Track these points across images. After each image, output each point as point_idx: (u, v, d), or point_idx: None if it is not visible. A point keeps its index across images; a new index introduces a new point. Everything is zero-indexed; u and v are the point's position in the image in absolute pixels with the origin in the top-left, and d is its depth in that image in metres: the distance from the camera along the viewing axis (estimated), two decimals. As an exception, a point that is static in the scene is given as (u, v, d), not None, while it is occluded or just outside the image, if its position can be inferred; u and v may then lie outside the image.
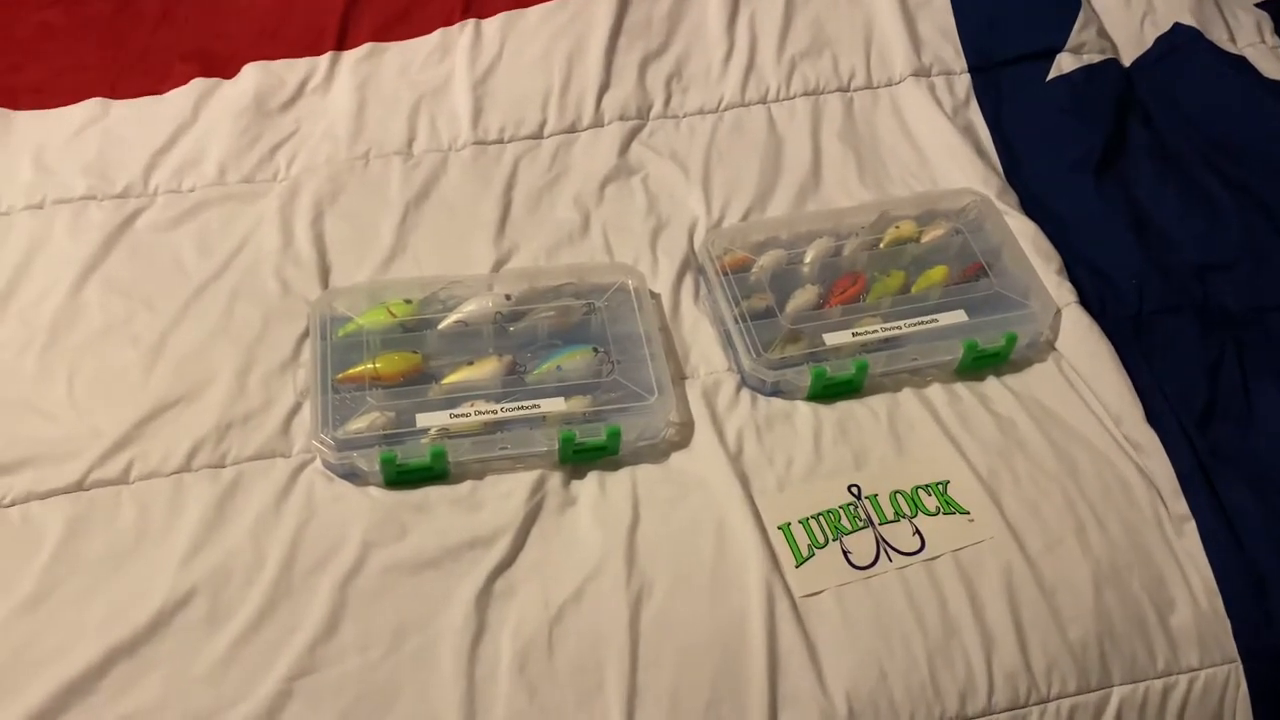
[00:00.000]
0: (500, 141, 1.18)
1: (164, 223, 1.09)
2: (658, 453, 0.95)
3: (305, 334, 0.99)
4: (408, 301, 1.00)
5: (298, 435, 0.94)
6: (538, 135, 1.19)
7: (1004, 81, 1.26)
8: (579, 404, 0.94)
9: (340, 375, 0.95)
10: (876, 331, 1.01)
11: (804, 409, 0.98)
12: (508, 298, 1.00)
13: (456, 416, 0.92)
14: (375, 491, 0.90)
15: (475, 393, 0.94)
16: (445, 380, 0.96)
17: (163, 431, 0.93)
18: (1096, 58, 1.27)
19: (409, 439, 0.91)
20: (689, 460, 0.95)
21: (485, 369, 0.96)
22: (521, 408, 0.93)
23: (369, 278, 1.05)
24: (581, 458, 0.93)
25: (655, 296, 1.06)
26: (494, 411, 0.93)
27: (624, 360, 0.98)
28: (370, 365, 0.95)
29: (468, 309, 1.00)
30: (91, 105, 1.18)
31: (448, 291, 1.02)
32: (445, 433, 0.92)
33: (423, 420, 0.92)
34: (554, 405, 0.94)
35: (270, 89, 1.20)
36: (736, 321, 1.01)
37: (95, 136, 1.16)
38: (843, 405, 0.99)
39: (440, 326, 0.99)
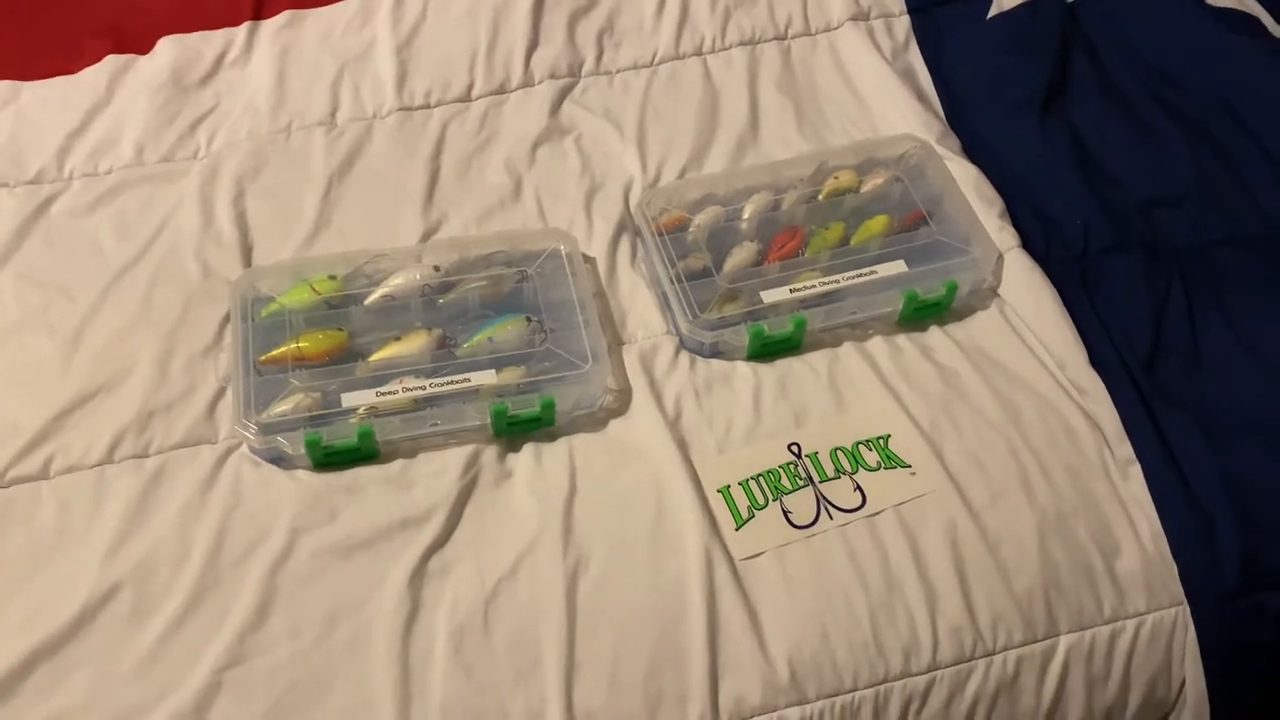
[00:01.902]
0: (426, 106, 1.15)
1: (80, 208, 1.05)
2: (595, 421, 0.93)
3: (228, 316, 0.97)
4: (332, 277, 0.97)
5: (223, 421, 0.91)
6: (465, 98, 1.16)
7: (943, 21, 1.23)
8: (512, 375, 0.92)
9: (263, 357, 0.92)
10: (815, 286, 0.99)
11: (744, 369, 0.96)
12: (436, 269, 0.98)
13: (384, 394, 0.90)
14: (304, 475, 0.88)
15: (404, 369, 0.92)
16: (372, 357, 0.93)
17: (83, 423, 0.90)
18: (1038, -8, 1.24)
19: (336, 420, 0.89)
20: (627, 428, 0.93)
21: (414, 344, 0.94)
22: (452, 382, 0.91)
23: (292, 255, 1.02)
24: (516, 430, 0.91)
25: (590, 261, 1.03)
26: (423, 388, 0.90)
27: (558, 328, 0.96)
28: (293, 345, 0.92)
29: (394, 282, 0.97)
30: (1, 89, 1.14)
31: (374, 265, 0.99)
32: (374, 411, 0.90)
33: (349, 400, 0.89)
34: (485, 378, 0.91)
35: (187, 63, 1.16)
36: (673, 283, 0.99)
37: (6, 121, 1.12)
38: (783, 363, 0.97)
39: (366, 302, 0.97)
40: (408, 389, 0.90)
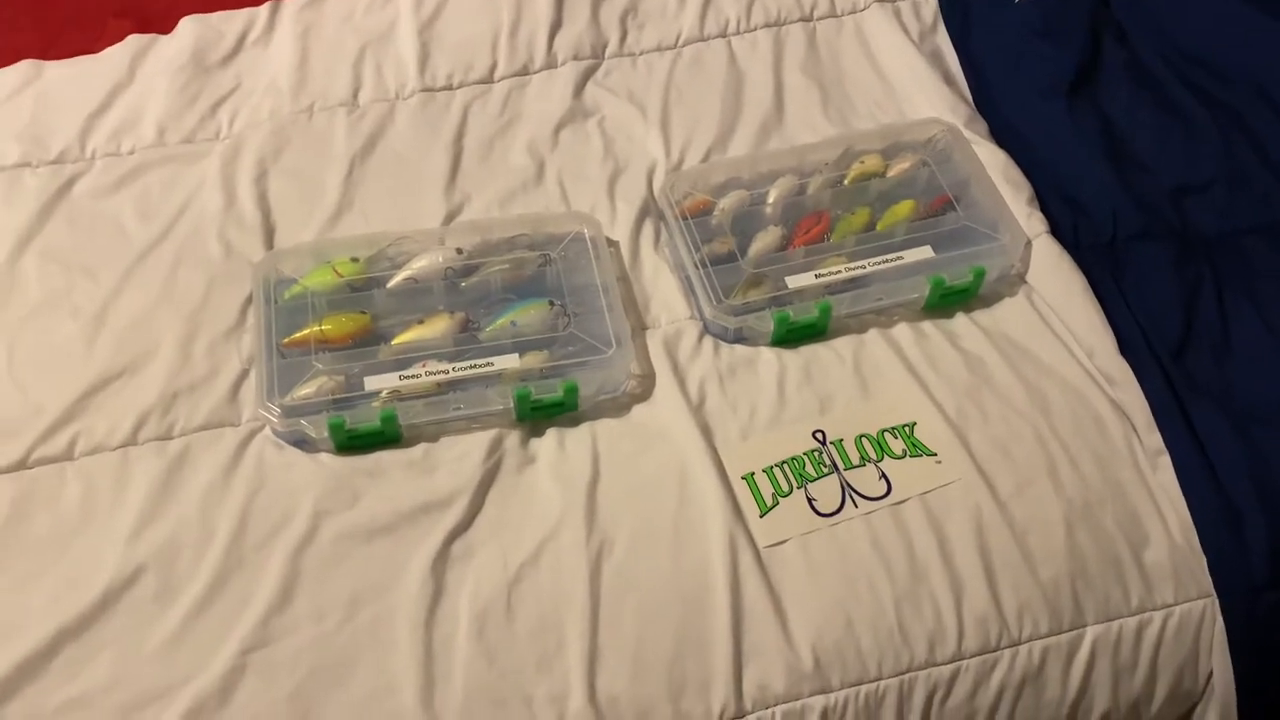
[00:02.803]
0: (449, 88, 1.14)
1: (103, 188, 1.05)
2: (619, 406, 0.92)
3: (251, 298, 0.96)
4: (354, 260, 0.97)
5: (246, 403, 0.91)
6: (488, 80, 1.15)
7: (972, 3, 1.21)
8: (535, 360, 0.92)
9: (286, 340, 0.92)
10: (840, 272, 0.98)
11: (768, 355, 0.96)
12: (459, 252, 0.97)
13: (407, 378, 0.90)
14: (326, 458, 0.88)
15: (427, 352, 0.92)
16: (395, 340, 0.93)
17: (107, 405, 0.90)
18: (1070, -26, 1.22)
19: (360, 403, 0.89)
20: (650, 413, 0.92)
21: (436, 327, 0.93)
22: (474, 366, 0.90)
23: (314, 237, 1.02)
24: (539, 415, 0.91)
25: (613, 245, 1.03)
26: (446, 371, 0.90)
27: (581, 312, 0.95)
28: (316, 328, 0.92)
29: (417, 265, 0.97)
30: (24, 68, 1.14)
31: (396, 248, 0.98)
32: (397, 395, 0.89)
33: (371, 383, 0.89)
34: (508, 362, 0.91)
35: (209, 43, 1.16)
36: (697, 267, 0.98)
37: (29, 101, 1.12)
38: (807, 349, 0.96)
39: (389, 285, 0.96)
40: (431, 373, 0.90)
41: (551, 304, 0.95)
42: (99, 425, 0.89)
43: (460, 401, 0.89)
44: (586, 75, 1.15)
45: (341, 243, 0.99)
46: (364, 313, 0.94)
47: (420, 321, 0.93)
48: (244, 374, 0.93)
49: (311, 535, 0.84)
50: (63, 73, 1.14)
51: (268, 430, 0.89)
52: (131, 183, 1.06)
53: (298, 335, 0.92)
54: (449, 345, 0.92)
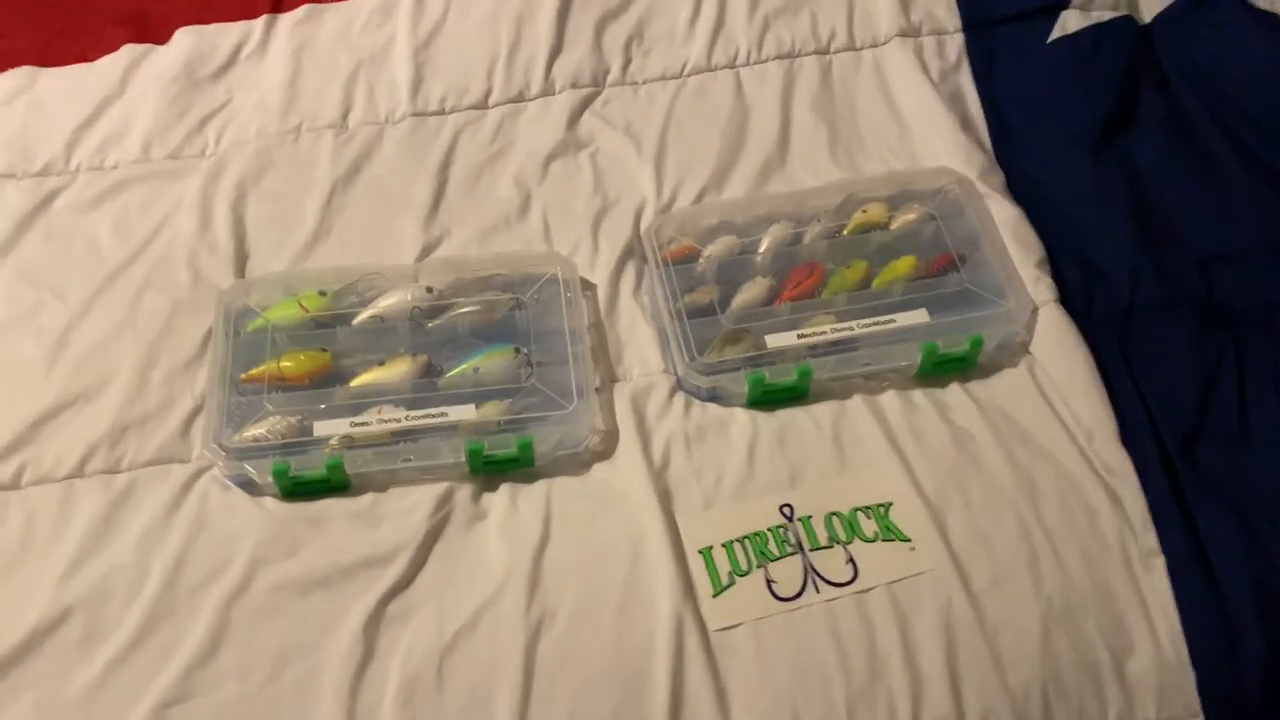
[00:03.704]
0: (441, 112, 1.10)
1: (83, 203, 1.04)
2: (578, 463, 0.88)
3: (213, 329, 0.94)
4: (322, 294, 0.94)
5: (197, 439, 0.89)
6: (482, 105, 1.11)
7: (1001, 42, 1.14)
8: (493, 410, 0.88)
9: (244, 375, 0.89)
10: (826, 333, 0.92)
11: (741, 417, 0.91)
12: (429, 290, 0.93)
13: (358, 425, 0.86)
14: (271, 503, 0.85)
15: (384, 397, 0.88)
16: (354, 382, 0.90)
17: (58, 433, 0.89)
18: (1108, 14, 1.14)
19: (310, 448, 0.86)
20: (611, 472, 0.88)
21: (396, 370, 0.90)
22: (429, 415, 0.87)
23: (287, 265, 0.99)
24: (493, 469, 0.87)
25: (590, 289, 0.98)
26: (399, 419, 0.87)
27: (547, 361, 0.91)
28: (274, 364, 0.89)
29: (385, 303, 0.94)
30: (19, 74, 1.13)
31: (367, 283, 0.95)
32: (348, 442, 0.86)
33: (321, 429, 0.86)
34: (464, 413, 0.87)
35: (202, 55, 1.14)
36: (674, 318, 0.93)
37: (20, 108, 1.11)
38: (785, 413, 0.91)
39: (354, 322, 0.93)
40: (384, 420, 0.86)
41: (517, 351, 0.91)
42: (47, 454, 0.87)
43: (411, 453, 0.86)
44: (584, 104, 1.11)
45: (311, 275, 0.96)
46: (324, 350, 0.91)
47: (381, 363, 0.90)
48: (197, 409, 0.90)
49: (246, 584, 0.81)
50: (56, 81, 1.13)
51: (216, 469, 0.87)
52: (111, 199, 1.04)
53: (255, 371, 0.90)
54: (407, 390, 0.89)
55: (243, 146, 1.07)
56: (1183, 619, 0.80)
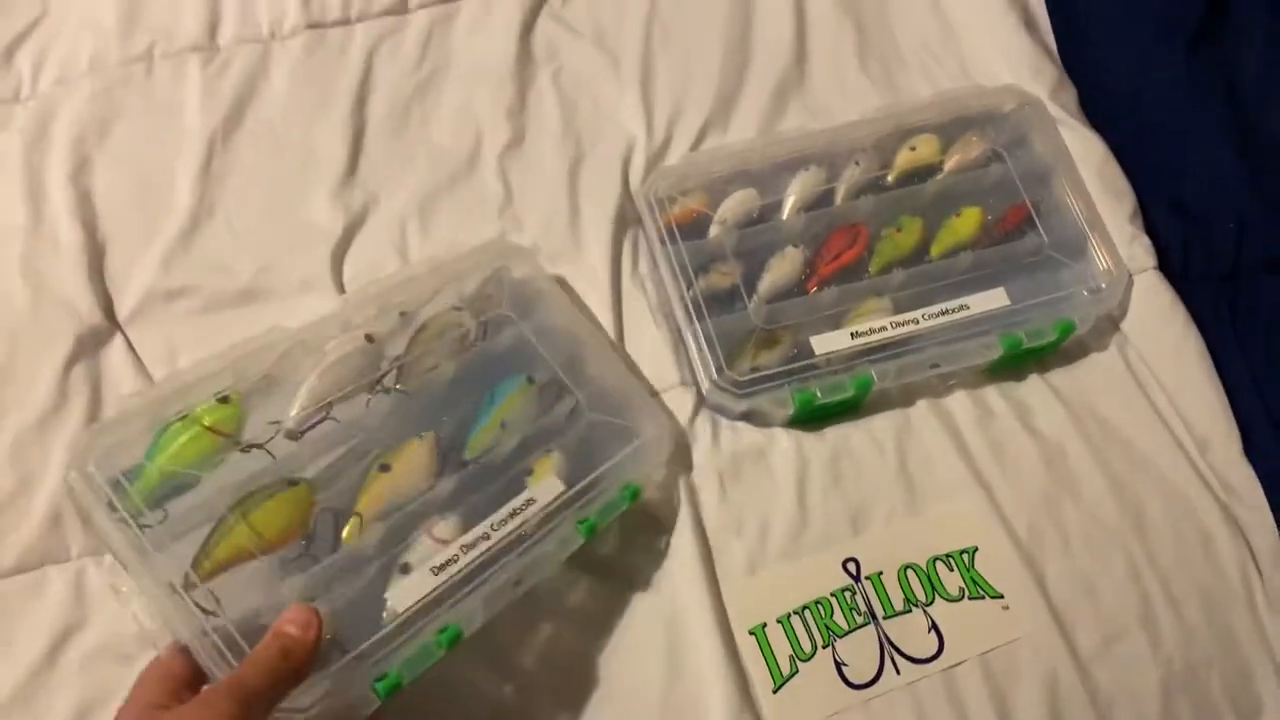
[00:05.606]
0: (345, 21, 0.82)
1: None
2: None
3: (72, 361, 0.69)
4: (223, 399, 0.61)
5: (72, 534, 0.66)
6: (400, 9, 0.83)
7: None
8: (555, 468, 0.65)
9: (203, 567, 0.57)
10: (886, 328, 0.73)
11: (783, 441, 0.72)
12: (370, 339, 0.66)
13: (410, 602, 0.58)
14: None
15: (410, 507, 0.62)
16: (360, 507, 0.62)
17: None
18: None
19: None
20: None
21: (410, 465, 0.63)
22: (507, 531, 0.62)
23: (159, 261, 0.72)
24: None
25: (562, 281, 0.75)
26: (486, 536, 0.61)
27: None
28: (240, 530, 0.59)
29: (323, 385, 0.64)
30: None
31: (281, 365, 0.64)
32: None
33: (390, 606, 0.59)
34: (546, 490, 0.64)
35: (-1, -54, 0.82)
36: (690, 316, 0.72)
37: None
38: (835, 431, 0.73)
39: (304, 433, 0.63)
40: (453, 562, 0.60)
41: (531, 380, 0.68)
42: None
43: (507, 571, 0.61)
44: (539, 2, 0.84)
45: (191, 383, 0.61)
46: (296, 482, 0.62)
47: (384, 469, 0.64)
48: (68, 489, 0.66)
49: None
50: None
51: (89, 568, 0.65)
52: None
53: (220, 555, 0.58)
54: (427, 485, 0.63)
55: (73, 86, 0.78)
56: (1319, 671, 0.68)
